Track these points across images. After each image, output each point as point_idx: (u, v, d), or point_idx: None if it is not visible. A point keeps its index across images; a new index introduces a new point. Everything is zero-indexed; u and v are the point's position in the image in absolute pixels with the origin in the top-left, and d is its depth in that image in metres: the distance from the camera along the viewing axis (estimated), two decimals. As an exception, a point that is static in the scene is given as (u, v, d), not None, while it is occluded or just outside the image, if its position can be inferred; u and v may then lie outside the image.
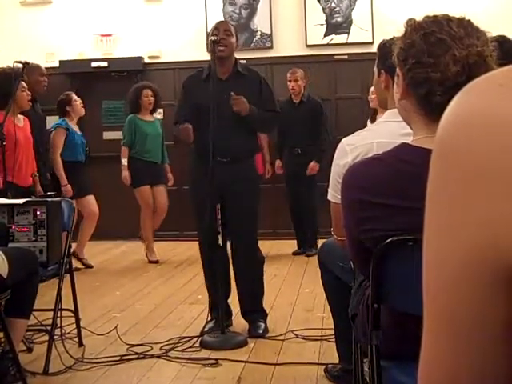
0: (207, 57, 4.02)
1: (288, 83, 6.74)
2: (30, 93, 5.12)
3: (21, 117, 5.13)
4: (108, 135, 8.22)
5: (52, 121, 6.48)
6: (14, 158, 4.93)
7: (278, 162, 6.86)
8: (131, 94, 6.57)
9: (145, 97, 6.48)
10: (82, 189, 6.06)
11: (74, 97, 6.27)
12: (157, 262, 6.52)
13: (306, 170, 6.55)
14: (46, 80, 5.80)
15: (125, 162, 6.47)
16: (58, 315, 3.50)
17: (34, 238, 3.45)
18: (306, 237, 6.74)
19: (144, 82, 6.89)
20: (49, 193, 4.37)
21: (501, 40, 2.22)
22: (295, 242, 6.98)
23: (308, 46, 8.00)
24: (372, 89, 5.20)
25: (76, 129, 6.27)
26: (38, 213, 3.47)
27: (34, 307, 3.29)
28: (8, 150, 4.81)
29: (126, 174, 6.43)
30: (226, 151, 3.89)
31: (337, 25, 7.97)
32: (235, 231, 4.02)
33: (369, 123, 5.92)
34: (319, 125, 6.56)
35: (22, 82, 5.00)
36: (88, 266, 6.27)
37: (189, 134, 3.93)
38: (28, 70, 5.55)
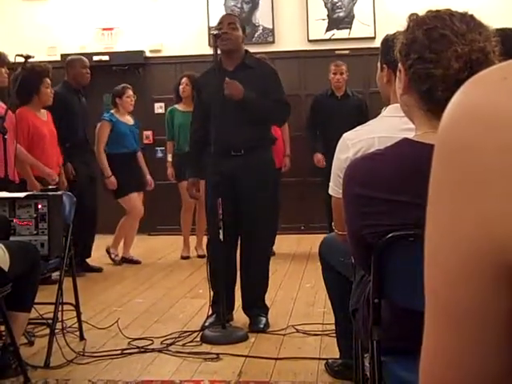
0: (209, 51, 4.02)
1: (332, 76, 6.54)
2: (52, 90, 5.22)
3: (43, 111, 5.24)
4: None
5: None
6: (41, 151, 5.04)
7: (318, 156, 6.51)
8: (175, 84, 6.45)
9: (180, 85, 6.32)
10: (124, 186, 6.00)
11: (129, 92, 6.19)
12: (187, 257, 6.44)
13: None
14: (88, 72, 5.81)
15: (169, 157, 6.38)
16: (59, 309, 3.51)
17: (35, 232, 3.45)
18: None
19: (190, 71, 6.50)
20: (50, 187, 4.37)
21: (506, 33, 2.21)
22: (296, 236, 6.96)
23: (310, 40, 7.99)
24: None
25: (125, 119, 6.18)
26: (40, 206, 3.47)
27: (35, 301, 3.29)
28: (35, 144, 4.95)
29: (169, 171, 6.35)
30: (239, 144, 3.88)
31: (339, 20, 7.96)
32: (248, 226, 3.98)
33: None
34: (364, 121, 6.29)
35: (47, 79, 5.12)
36: (137, 262, 6.27)
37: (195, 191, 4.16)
38: (70, 63, 5.73)
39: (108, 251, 6.20)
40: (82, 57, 5.98)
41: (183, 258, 6.46)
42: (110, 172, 5.95)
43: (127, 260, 6.27)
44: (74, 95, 5.72)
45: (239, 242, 4.08)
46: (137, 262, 6.26)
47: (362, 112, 6.39)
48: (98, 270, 5.88)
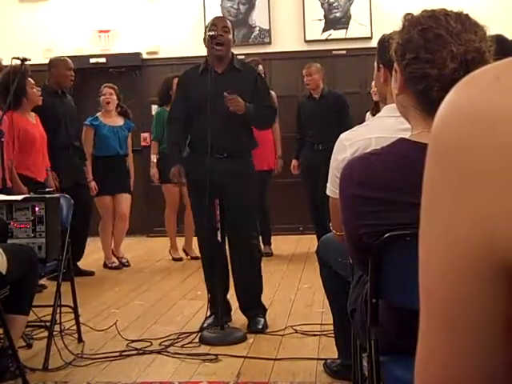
0: (206, 52, 4.02)
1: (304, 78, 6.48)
2: (39, 89, 5.16)
3: (32, 114, 5.17)
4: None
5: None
6: (31, 155, 5.01)
7: (294, 162, 6.51)
8: (162, 85, 6.34)
9: (174, 86, 6.16)
10: (99, 188, 5.97)
11: (105, 90, 6.13)
12: (180, 259, 6.45)
13: (326, 167, 6.24)
14: (72, 74, 5.71)
15: (154, 158, 6.30)
16: (58, 311, 3.51)
17: (32, 235, 3.45)
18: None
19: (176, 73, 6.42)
20: (48, 189, 4.36)
21: (497, 39, 2.21)
22: (295, 237, 6.96)
23: (306, 41, 7.99)
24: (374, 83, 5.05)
25: (110, 121, 6.12)
26: (37, 209, 3.47)
27: (34, 303, 3.29)
28: (23, 149, 4.91)
29: (153, 171, 6.29)
30: (223, 147, 3.88)
31: (335, 20, 7.96)
32: (233, 227, 4.00)
33: (368, 115, 5.84)
34: (344, 118, 5.97)
35: (30, 79, 5.03)
36: (124, 265, 6.25)
37: (179, 176, 4.02)
38: (54, 64, 5.61)
39: (105, 265, 6.17)
40: (67, 58, 5.84)
41: (175, 259, 6.45)
42: (91, 177, 5.93)
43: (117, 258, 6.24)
44: (55, 98, 5.53)
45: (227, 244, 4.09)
46: (125, 265, 6.23)
47: (341, 109, 6.22)
48: (90, 273, 5.79)
